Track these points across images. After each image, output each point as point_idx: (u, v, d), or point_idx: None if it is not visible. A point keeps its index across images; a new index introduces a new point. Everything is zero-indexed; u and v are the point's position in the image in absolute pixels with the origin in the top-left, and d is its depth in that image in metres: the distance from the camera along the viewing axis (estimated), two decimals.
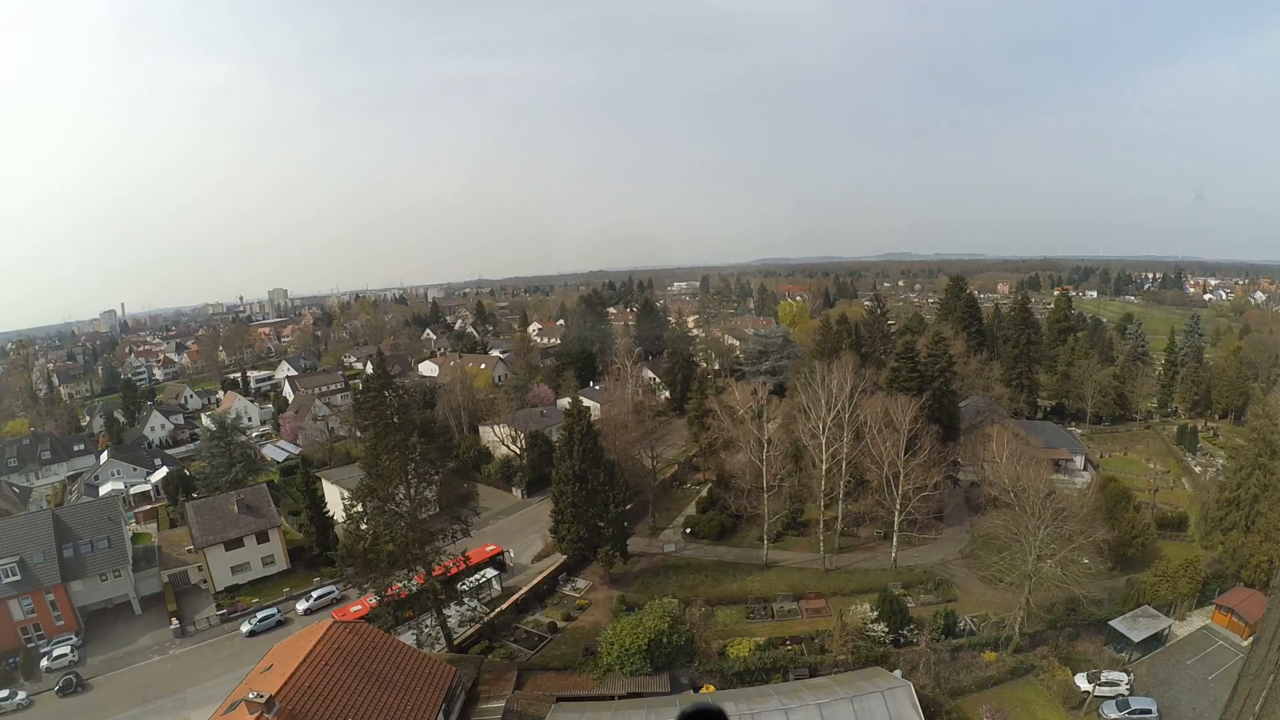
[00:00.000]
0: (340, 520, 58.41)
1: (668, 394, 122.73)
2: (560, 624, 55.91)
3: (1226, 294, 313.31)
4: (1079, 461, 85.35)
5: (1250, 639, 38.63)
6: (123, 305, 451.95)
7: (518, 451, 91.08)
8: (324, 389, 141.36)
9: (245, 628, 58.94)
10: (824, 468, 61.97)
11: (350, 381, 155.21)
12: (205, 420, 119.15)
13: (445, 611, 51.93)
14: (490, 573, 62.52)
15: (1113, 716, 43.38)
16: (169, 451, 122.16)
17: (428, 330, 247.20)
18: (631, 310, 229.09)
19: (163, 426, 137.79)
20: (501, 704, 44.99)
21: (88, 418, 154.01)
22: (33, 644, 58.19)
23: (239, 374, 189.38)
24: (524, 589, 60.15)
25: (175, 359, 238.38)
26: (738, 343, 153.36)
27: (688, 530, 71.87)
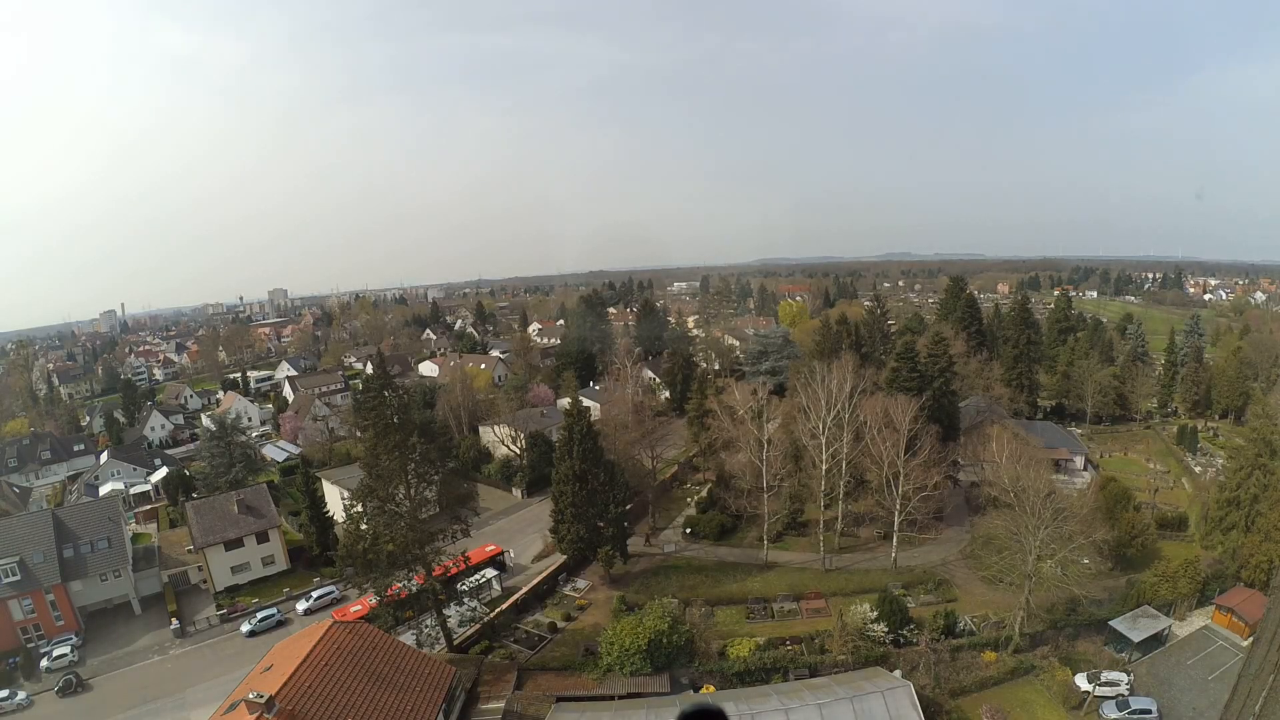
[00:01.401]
0: (340, 520, 58.47)
1: (668, 394, 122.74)
2: (560, 624, 55.89)
3: (1226, 294, 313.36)
4: (1079, 461, 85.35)
5: (1250, 639, 38.64)
6: (123, 305, 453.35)
7: (518, 451, 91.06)
8: (324, 389, 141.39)
9: (245, 628, 58.92)
10: (824, 468, 61.97)
11: (350, 381, 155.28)
12: (205, 420, 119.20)
13: (445, 611, 51.94)
14: (490, 573, 62.51)
15: (1113, 716, 43.38)
16: (169, 451, 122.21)
17: (428, 330, 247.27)
18: (631, 310, 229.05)
19: (163, 426, 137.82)
20: (501, 704, 44.98)
21: (88, 418, 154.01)
22: (33, 644, 58.19)
23: (239, 374, 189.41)
24: (524, 589, 60.12)
25: (175, 359, 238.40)
26: (738, 343, 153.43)
27: (688, 530, 71.84)
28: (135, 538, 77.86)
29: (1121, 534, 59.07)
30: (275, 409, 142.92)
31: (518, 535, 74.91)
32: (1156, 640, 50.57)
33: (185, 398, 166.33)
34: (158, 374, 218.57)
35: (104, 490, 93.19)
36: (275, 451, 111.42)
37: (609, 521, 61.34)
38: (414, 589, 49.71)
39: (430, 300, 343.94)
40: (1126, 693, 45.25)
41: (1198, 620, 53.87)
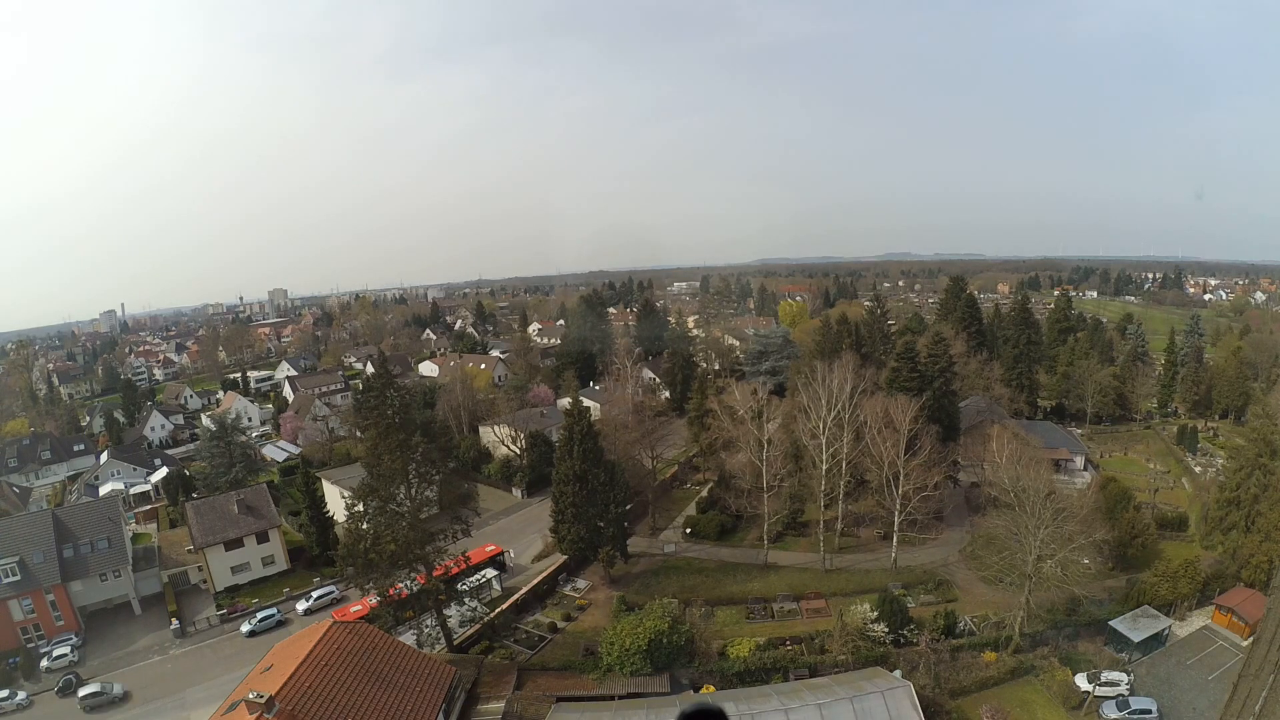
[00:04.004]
0: (340, 520, 58.46)
1: (668, 394, 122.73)
2: (560, 624, 55.92)
3: (1226, 294, 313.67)
4: (1079, 462, 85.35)
5: (1250, 639, 38.66)
6: (123, 305, 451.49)
7: (518, 451, 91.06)
8: (324, 389, 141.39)
9: (245, 628, 58.96)
10: (824, 468, 61.95)
11: (350, 382, 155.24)
12: (205, 420, 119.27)
13: (445, 611, 51.93)
14: (490, 573, 62.53)
15: (1113, 716, 43.37)
16: (169, 451, 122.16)
17: (428, 330, 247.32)
18: (631, 310, 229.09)
19: (163, 426, 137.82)
20: (501, 704, 44.98)
21: (88, 418, 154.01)
22: (33, 644, 58.20)
23: (239, 374, 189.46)
24: (524, 589, 60.15)
25: (175, 359, 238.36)
26: (738, 343, 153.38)
27: (688, 530, 71.84)
28: (135, 538, 77.84)
29: (1121, 534, 59.07)
30: (275, 409, 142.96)
31: (518, 535, 74.90)
32: (1157, 640, 50.54)
33: (185, 398, 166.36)
34: (158, 374, 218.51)
35: (104, 490, 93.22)
36: (275, 451, 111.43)
37: (609, 521, 61.34)
38: (414, 589, 49.72)
39: (430, 300, 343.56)
40: (1126, 693, 45.25)
41: (1198, 620, 53.86)
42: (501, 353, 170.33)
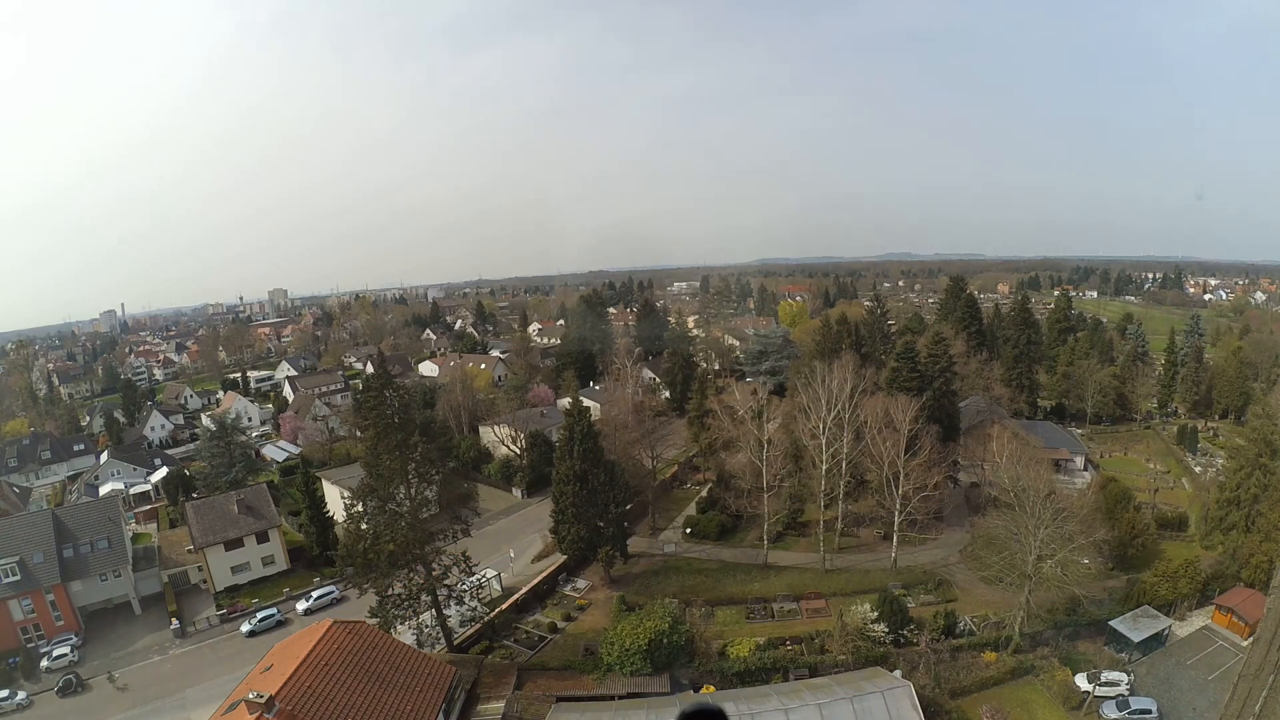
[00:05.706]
0: (340, 520, 58.48)
1: (668, 394, 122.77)
2: (560, 624, 55.90)
3: (1226, 294, 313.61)
4: (1079, 461, 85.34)
5: (1250, 639, 38.67)
6: (123, 305, 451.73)
7: (518, 451, 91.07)
8: (324, 389, 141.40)
9: (245, 628, 58.95)
10: (824, 468, 61.92)
11: (350, 381, 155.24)
12: (205, 420, 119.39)
13: (445, 611, 51.96)
14: (490, 573, 62.53)
15: (1113, 716, 43.37)
16: (169, 451, 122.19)
17: (428, 330, 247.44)
18: (631, 310, 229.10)
19: (163, 426, 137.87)
20: (501, 704, 44.98)
21: (88, 418, 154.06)
22: (33, 644, 58.21)
23: (239, 374, 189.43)
24: (524, 589, 60.17)
25: (175, 359, 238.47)
26: (738, 343, 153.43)
27: (688, 530, 71.83)
28: (135, 538, 77.83)
29: (1122, 534, 59.10)
30: (275, 409, 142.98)
31: (518, 535, 74.91)
32: (1157, 640, 50.53)
33: (185, 398, 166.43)
34: (158, 374, 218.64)
35: (104, 490, 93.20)
36: (275, 451, 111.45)
37: (609, 521, 61.33)
38: (414, 588, 49.72)
39: (430, 300, 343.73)
40: (1126, 693, 45.25)
41: (1198, 620, 53.84)
42: (501, 353, 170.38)
